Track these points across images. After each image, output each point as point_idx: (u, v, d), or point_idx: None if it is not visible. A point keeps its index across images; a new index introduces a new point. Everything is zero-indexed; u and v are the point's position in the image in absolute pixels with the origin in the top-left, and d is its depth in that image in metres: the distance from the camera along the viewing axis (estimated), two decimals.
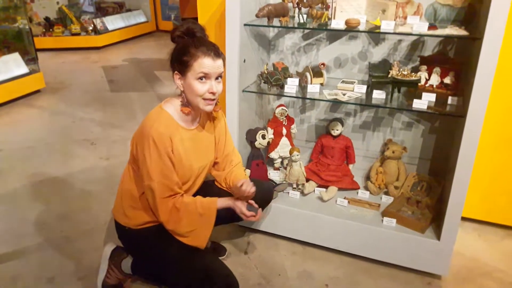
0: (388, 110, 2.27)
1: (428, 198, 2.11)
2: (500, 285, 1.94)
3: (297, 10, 2.01)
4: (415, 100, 1.83)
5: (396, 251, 1.96)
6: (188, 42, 1.56)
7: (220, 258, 2.04)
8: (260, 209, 1.72)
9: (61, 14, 6.97)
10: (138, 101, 4.45)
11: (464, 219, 2.31)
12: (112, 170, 2.97)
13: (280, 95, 2.24)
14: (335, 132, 2.29)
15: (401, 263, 1.99)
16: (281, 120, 2.34)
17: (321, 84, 2.13)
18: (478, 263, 2.07)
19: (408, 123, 2.28)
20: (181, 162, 1.62)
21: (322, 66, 2.15)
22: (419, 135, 2.27)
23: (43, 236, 2.26)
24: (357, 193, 2.26)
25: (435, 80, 1.98)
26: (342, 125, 2.30)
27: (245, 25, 2.02)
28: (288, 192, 2.23)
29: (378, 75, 2.01)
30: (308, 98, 2.24)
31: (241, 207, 1.66)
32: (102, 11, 7.46)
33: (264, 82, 2.15)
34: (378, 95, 1.96)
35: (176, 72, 1.58)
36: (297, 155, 2.16)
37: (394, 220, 1.98)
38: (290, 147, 2.32)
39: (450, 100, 1.89)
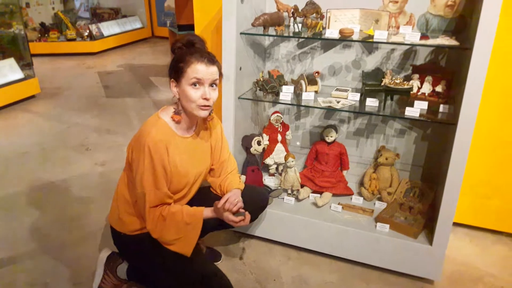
0: (381, 118, 2.31)
1: (420, 204, 2.14)
2: None
3: (292, 19, 2.05)
4: (407, 108, 1.87)
5: (389, 256, 1.99)
6: (185, 51, 1.59)
7: (215, 263, 2.06)
8: (247, 212, 1.71)
9: (57, 19, 6.98)
10: (134, 107, 4.46)
11: (456, 224, 2.35)
12: (107, 176, 2.98)
13: (275, 102, 2.27)
14: (329, 139, 2.32)
15: (394, 267, 2.02)
16: (276, 126, 2.37)
17: (316, 92, 2.17)
18: (470, 267, 2.10)
19: (400, 130, 2.31)
20: (177, 169, 1.64)
21: (316, 74, 2.18)
22: (411, 142, 2.30)
23: (38, 241, 2.26)
24: (351, 199, 2.29)
25: (427, 88, 2.02)
26: (336, 132, 2.34)
27: (241, 33, 2.06)
28: (283, 198, 2.25)
29: (372, 83, 2.04)
30: (303, 106, 2.28)
31: (227, 215, 1.65)
32: (97, 17, 7.48)
33: (260, 90, 2.18)
34: (372, 102, 2.00)
35: (172, 79, 1.61)
36: (292, 161, 2.19)
37: (387, 226, 2.01)
38: (285, 153, 2.34)
39: (441, 108, 1.93)
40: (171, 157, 1.60)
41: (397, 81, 1.90)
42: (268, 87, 2.11)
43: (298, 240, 2.16)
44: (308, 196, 2.28)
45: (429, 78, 2.01)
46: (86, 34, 6.81)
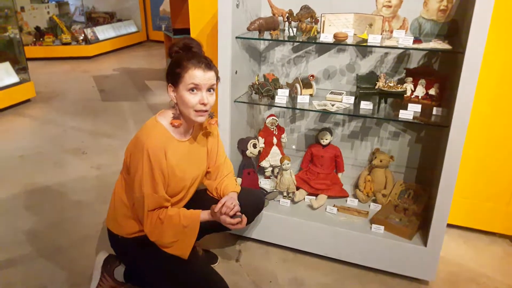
0: (375, 120, 2.33)
1: (415, 206, 2.16)
2: None
3: (287, 24, 2.07)
4: (401, 111, 1.89)
5: (384, 257, 2.01)
6: (182, 55, 1.60)
7: (212, 266, 2.06)
8: (243, 214, 1.72)
9: (52, 23, 6.98)
10: (129, 111, 4.46)
11: (450, 225, 2.37)
12: (103, 179, 2.98)
13: (270, 105, 2.29)
14: (324, 142, 2.34)
15: (389, 269, 2.03)
16: (272, 129, 2.38)
17: (311, 95, 2.19)
18: (464, 268, 2.13)
19: (395, 133, 2.34)
20: (174, 173, 1.65)
21: (311, 77, 2.20)
22: (405, 144, 2.33)
23: (35, 244, 2.26)
24: (346, 201, 2.30)
25: (420, 91, 2.04)
26: (331, 134, 2.36)
27: (236, 37, 2.07)
28: (279, 200, 2.26)
29: (366, 86, 2.06)
30: (298, 109, 2.30)
31: (224, 218, 1.66)
32: (93, 21, 7.49)
33: (255, 93, 2.20)
34: (366, 105, 2.02)
35: (169, 84, 1.62)
36: (288, 164, 2.20)
37: (382, 227, 2.02)
38: (281, 156, 2.35)
39: (435, 110, 1.96)
40: (169, 161, 1.61)
41: (391, 84, 1.93)
42: (264, 90, 2.13)
43: (294, 242, 2.17)
44: (304, 198, 2.30)
45: (422, 81, 2.04)
46: (81, 38, 6.82)
